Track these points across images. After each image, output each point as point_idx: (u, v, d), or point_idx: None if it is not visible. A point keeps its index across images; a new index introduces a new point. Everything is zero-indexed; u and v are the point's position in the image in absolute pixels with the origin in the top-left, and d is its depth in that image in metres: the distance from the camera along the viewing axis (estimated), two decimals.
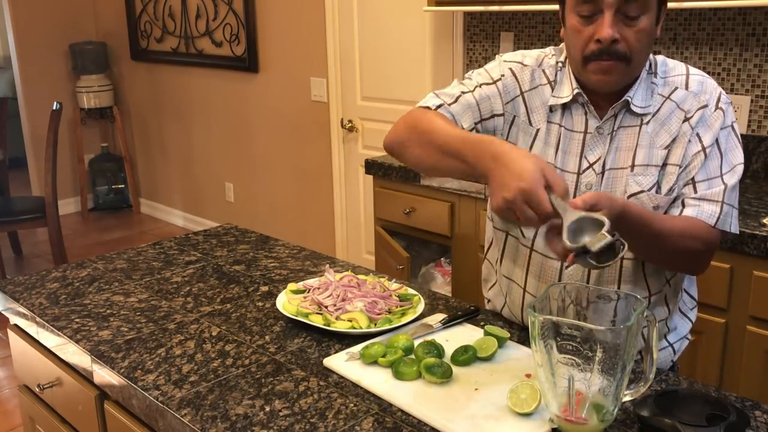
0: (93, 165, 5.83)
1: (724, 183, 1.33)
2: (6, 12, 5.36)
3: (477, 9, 2.95)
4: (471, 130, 1.42)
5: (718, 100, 1.36)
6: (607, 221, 1.11)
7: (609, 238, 1.09)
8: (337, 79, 3.91)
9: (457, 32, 3.30)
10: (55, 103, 4.22)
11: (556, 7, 2.86)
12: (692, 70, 1.40)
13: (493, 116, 1.44)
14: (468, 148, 1.26)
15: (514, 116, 1.45)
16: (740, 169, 1.36)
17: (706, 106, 1.35)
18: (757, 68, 2.50)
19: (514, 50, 3.07)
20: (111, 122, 5.86)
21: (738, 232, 1.39)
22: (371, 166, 3.03)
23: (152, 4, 5.07)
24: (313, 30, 3.96)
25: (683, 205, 1.34)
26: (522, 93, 1.44)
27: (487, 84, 1.45)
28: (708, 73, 2.59)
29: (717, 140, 1.34)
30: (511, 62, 1.47)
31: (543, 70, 1.45)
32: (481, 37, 3.23)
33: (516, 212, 1.14)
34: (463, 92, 1.44)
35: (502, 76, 1.45)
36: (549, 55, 1.46)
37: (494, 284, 1.63)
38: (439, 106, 1.42)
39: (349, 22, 3.75)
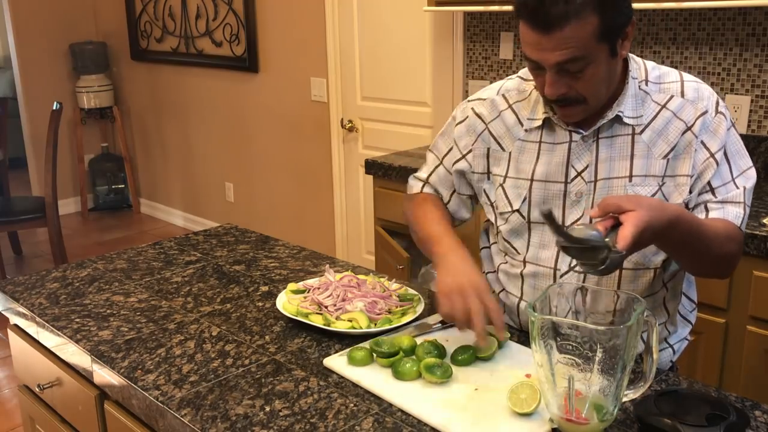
0: (93, 165, 5.83)
1: (738, 186, 1.34)
2: (6, 12, 5.36)
3: (477, 9, 2.95)
4: (450, 200, 1.60)
5: (717, 104, 1.35)
6: (607, 242, 1.12)
7: (591, 233, 1.10)
8: (337, 79, 3.91)
9: (457, 32, 3.30)
10: (55, 103, 4.22)
11: None
12: (686, 76, 1.39)
13: (461, 160, 1.54)
14: (424, 246, 1.53)
15: (488, 148, 1.49)
16: (753, 173, 1.37)
17: (705, 112, 1.34)
18: (757, 68, 2.50)
19: (514, 50, 3.10)
20: (111, 122, 5.86)
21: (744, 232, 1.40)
22: (371, 166, 3.03)
23: (152, 4, 5.07)
24: (313, 30, 3.96)
25: (707, 210, 1.34)
26: (487, 126, 1.49)
27: (453, 134, 1.56)
28: (708, 73, 2.59)
29: (724, 145, 1.34)
30: (471, 101, 1.55)
31: (502, 95, 1.49)
32: (481, 37, 3.23)
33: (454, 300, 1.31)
34: (433, 169, 1.61)
35: (466, 117, 1.53)
36: (511, 78, 1.51)
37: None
38: (422, 187, 1.63)
39: (349, 22, 3.75)
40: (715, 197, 1.34)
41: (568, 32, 1.21)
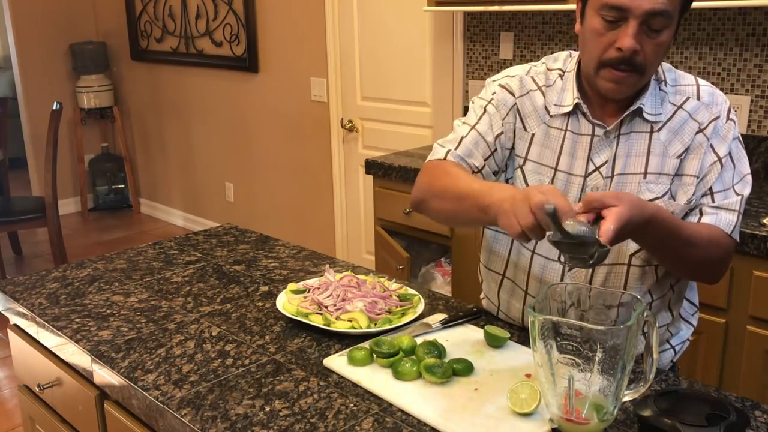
0: (93, 165, 5.83)
1: (738, 193, 1.36)
2: (6, 12, 5.36)
3: (477, 9, 2.95)
4: (482, 167, 1.45)
5: (729, 111, 1.38)
6: (597, 235, 1.11)
7: (583, 229, 1.10)
8: (337, 79, 3.91)
9: (457, 32, 3.30)
10: (55, 103, 4.22)
11: (555, 7, 2.86)
12: (700, 80, 1.42)
13: (497, 138, 1.45)
14: (476, 195, 1.29)
15: (515, 125, 1.47)
16: (750, 179, 1.39)
17: (718, 117, 1.37)
18: (757, 68, 2.50)
19: (514, 50, 3.10)
20: (111, 122, 5.86)
21: (738, 240, 1.41)
22: (371, 166, 3.03)
23: (152, 4, 5.07)
24: (313, 30, 3.96)
25: (701, 214, 1.36)
26: (516, 101, 1.46)
27: (485, 108, 1.47)
28: (708, 73, 2.59)
29: (730, 151, 1.36)
30: (498, 79, 1.50)
31: (531, 77, 1.47)
32: (481, 37, 3.23)
33: (522, 220, 1.15)
34: (463, 136, 1.47)
35: (494, 93, 1.48)
36: (537, 65, 1.49)
37: (488, 292, 1.63)
38: (447, 153, 1.45)
39: (349, 22, 3.75)
40: (713, 202, 1.36)
41: None
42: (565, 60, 1.46)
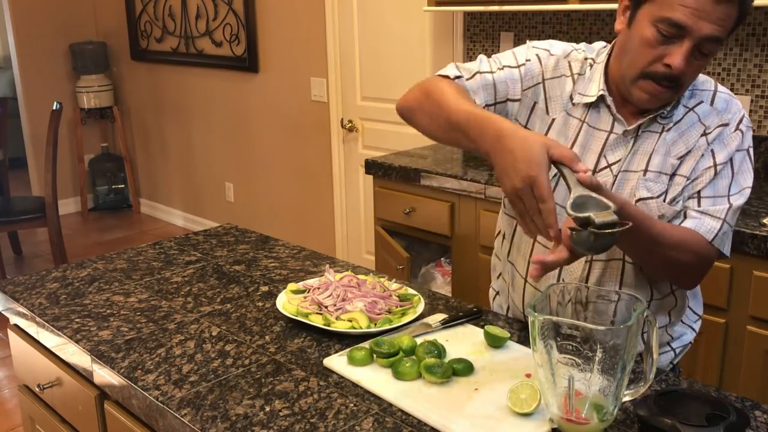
0: (93, 165, 5.83)
1: (729, 203, 1.33)
2: (6, 12, 5.36)
3: (477, 9, 2.95)
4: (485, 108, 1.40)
5: (740, 121, 1.35)
6: (613, 205, 1.10)
7: (614, 217, 1.09)
8: (337, 79, 3.91)
9: (457, 32, 3.30)
10: (55, 103, 4.22)
11: (556, 7, 2.85)
12: (720, 87, 1.39)
13: (507, 101, 1.43)
14: (472, 125, 1.25)
15: (535, 102, 1.44)
16: (748, 192, 1.36)
17: (726, 125, 1.34)
18: (757, 68, 2.50)
19: None
20: (111, 122, 5.86)
21: (729, 255, 1.38)
22: (371, 166, 3.03)
23: (152, 4, 5.07)
24: (313, 30, 3.96)
25: (684, 217, 1.34)
26: (543, 80, 1.43)
27: (511, 67, 1.44)
28: (708, 73, 2.59)
29: (731, 160, 1.34)
30: (538, 48, 1.46)
31: (568, 62, 1.44)
32: (481, 37, 3.23)
33: (523, 201, 1.14)
34: (482, 71, 1.43)
35: (528, 60, 1.44)
36: (578, 50, 1.45)
37: (500, 275, 1.63)
38: (457, 78, 1.42)
39: (349, 22, 3.75)
40: (699, 206, 1.33)
41: (731, 11, 1.23)
42: (599, 51, 1.43)
